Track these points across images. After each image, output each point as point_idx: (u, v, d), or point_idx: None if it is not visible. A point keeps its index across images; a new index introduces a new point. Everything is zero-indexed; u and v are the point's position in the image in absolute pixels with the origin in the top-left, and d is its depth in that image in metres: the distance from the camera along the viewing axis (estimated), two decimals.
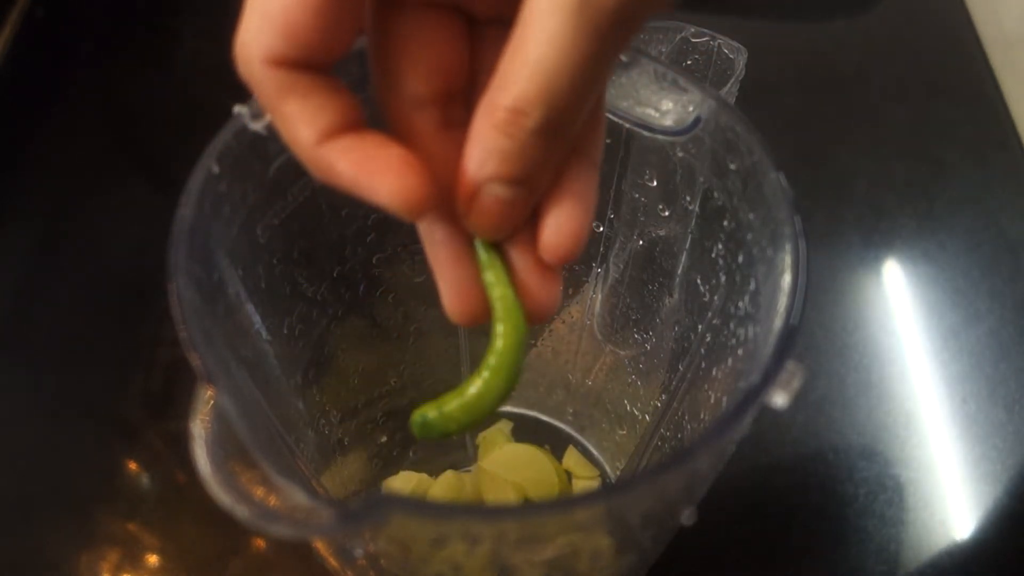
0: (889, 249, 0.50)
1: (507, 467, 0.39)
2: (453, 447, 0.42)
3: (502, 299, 0.23)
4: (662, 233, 0.32)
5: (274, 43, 0.19)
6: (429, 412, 0.25)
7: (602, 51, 0.18)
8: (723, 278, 0.29)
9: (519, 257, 0.22)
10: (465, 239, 0.23)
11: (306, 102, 0.20)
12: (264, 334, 0.29)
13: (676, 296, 0.33)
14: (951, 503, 0.41)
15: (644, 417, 0.38)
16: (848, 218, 0.51)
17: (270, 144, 0.26)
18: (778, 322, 0.22)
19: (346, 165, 0.20)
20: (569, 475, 0.41)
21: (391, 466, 0.40)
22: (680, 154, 0.29)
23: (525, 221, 0.21)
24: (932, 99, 0.57)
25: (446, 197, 0.21)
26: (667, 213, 0.32)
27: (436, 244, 0.23)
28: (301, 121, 0.20)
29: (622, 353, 0.38)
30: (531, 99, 0.18)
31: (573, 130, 0.19)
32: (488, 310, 0.23)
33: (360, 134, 0.20)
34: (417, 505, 0.22)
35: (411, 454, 0.41)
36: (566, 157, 0.21)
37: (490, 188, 0.20)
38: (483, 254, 0.23)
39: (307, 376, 0.33)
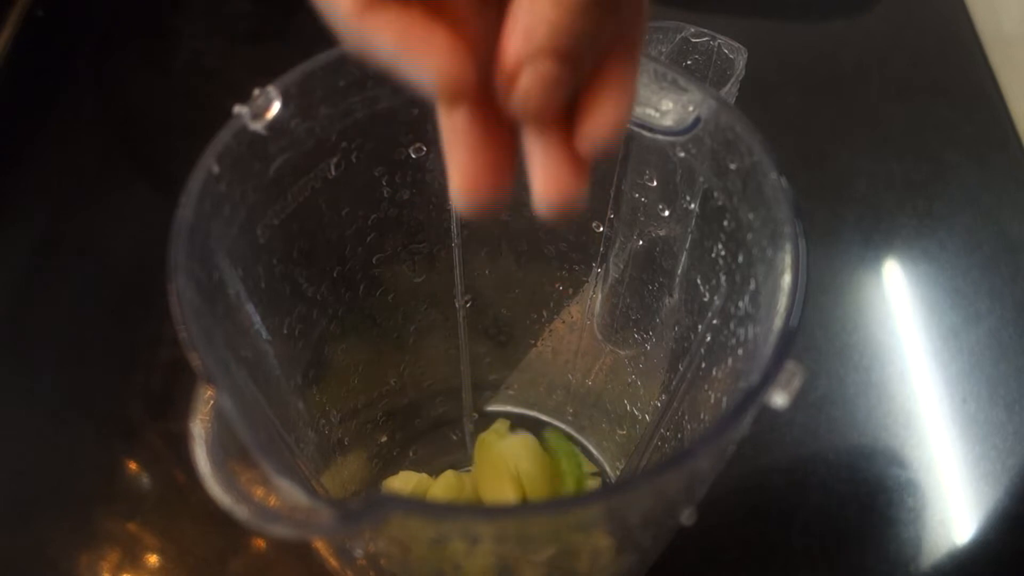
0: (889, 249, 0.50)
1: (503, 458, 0.39)
2: (453, 447, 0.42)
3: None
4: (662, 233, 0.32)
5: None
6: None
7: None
8: (723, 278, 0.29)
9: (550, 146, 0.21)
10: (485, 126, 0.21)
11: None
12: (264, 334, 0.29)
13: (676, 296, 0.33)
14: (951, 503, 0.41)
15: (644, 417, 0.38)
16: (848, 218, 0.51)
17: (270, 144, 0.26)
18: (778, 322, 0.22)
19: (388, 38, 0.19)
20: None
21: (391, 466, 0.40)
22: (680, 154, 0.29)
23: (566, 104, 0.20)
24: (932, 99, 0.57)
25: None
26: (667, 213, 0.32)
27: (455, 130, 0.21)
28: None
29: (622, 353, 0.38)
30: None
31: (621, 5, 0.19)
32: (491, 200, 0.22)
33: (403, 5, 0.19)
34: (417, 505, 0.22)
35: (411, 454, 0.41)
36: (611, 40, 0.20)
37: (536, 64, 0.19)
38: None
39: (307, 376, 0.33)
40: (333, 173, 0.29)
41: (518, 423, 0.42)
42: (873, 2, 0.62)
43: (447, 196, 0.32)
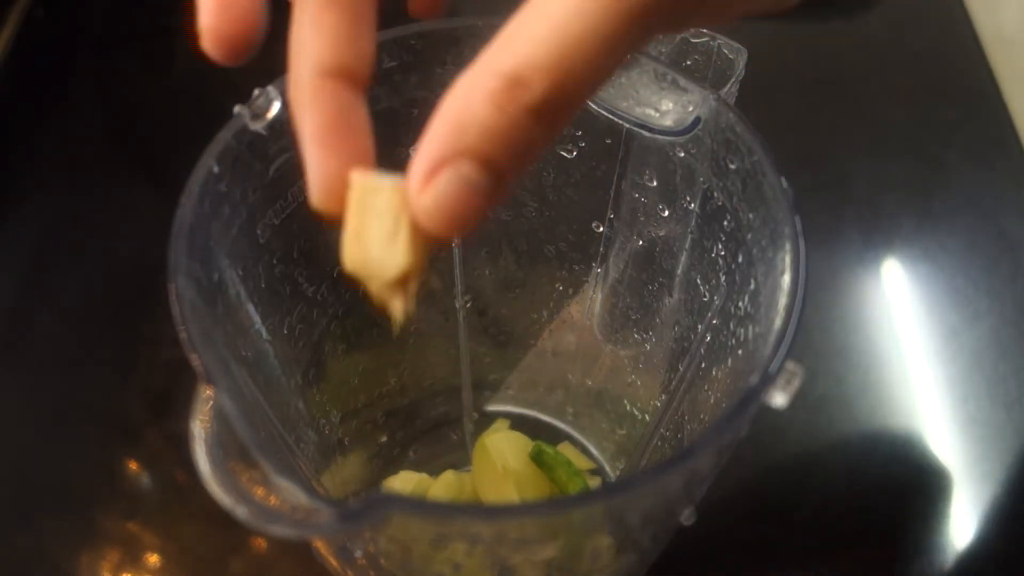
0: (889, 249, 0.50)
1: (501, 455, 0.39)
2: (453, 447, 0.42)
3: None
4: (662, 233, 0.32)
5: None
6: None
7: (622, 40, 0.16)
8: (723, 278, 0.29)
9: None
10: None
11: (346, 22, 0.18)
12: (264, 334, 0.29)
13: (676, 296, 0.33)
14: (951, 503, 0.41)
15: (644, 417, 0.38)
16: (848, 218, 0.51)
17: (270, 144, 0.26)
18: (778, 322, 0.22)
19: (313, 118, 0.18)
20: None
21: (391, 466, 0.40)
22: (680, 154, 0.29)
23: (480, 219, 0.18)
24: (932, 99, 0.57)
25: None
26: (667, 213, 0.32)
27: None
28: (327, 39, 0.19)
29: (622, 353, 0.38)
30: (540, 67, 0.16)
31: (564, 124, 0.17)
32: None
33: (353, 92, 0.19)
34: (417, 505, 0.22)
35: (411, 454, 0.41)
36: (539, 157, 0.18)
37: (459, 165, 0.17)
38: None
39: (307, 376, 0.33)
40: None
41: (518, 423, 0.42)
42: (873, 2, 0.62)
43: None
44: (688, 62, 0.31)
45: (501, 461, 0.37)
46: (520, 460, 0.38)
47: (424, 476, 0.39)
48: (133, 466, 0.41)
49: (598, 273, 0.36)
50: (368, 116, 0.20)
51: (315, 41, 0.19)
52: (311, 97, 0.19)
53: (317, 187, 0.19)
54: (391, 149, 0.21)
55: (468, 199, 0.17)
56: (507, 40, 0.17)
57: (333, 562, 0.30)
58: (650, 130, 0.28)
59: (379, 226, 0.19)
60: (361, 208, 0.19)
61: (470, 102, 0.17)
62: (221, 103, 0.25)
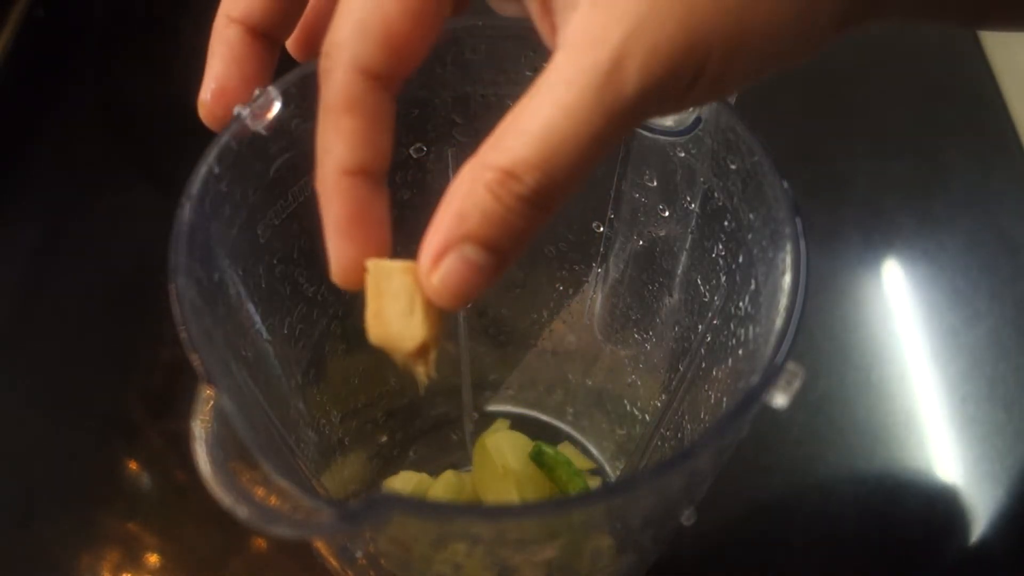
0: (889, 249, 0.50)
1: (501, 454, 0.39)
2: (453, 447, 0.42)
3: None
4: (662, 233, 0.32)
5: (370, 51, 0.19)
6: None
7: (609, 134, 0.18)
8: (723, 278, 0.29)
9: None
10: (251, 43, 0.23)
11: (364, 126, 0.20)
12: (264, 334, 0.29)
13: (676, 296, 0.33)
14: (951, 503, 0.41)
15: (644, 417, 0.38)
16: (848, 218, 0.51)
17: (270, 144, 0.26)
18: (778, 322, 0.22)
19: (335, 209, 0.20)
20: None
21: (391, 466, 0.40)
22: (680, 154, 0.29)
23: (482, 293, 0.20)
24: (932, 99, 0.57)
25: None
26: (667, 213, 0.32)
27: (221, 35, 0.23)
28: (347, 142, 0.20)
29: (622, 353, 0.38)
30: (529, 164, 0.18)
31: (558, 207, 0.19)
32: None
33: (372, 185, 0.21)
34: (417, 505, 0.22)
35: (411, 454, 0.41)
36: (538, 236, 0.20)
37: (463, 249, 0.19)
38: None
39: (307, 376, 0.33)
40: None
41: (518, 423, 0.42)
42: None
43: None
44: None
45: (501, 461, 0.37)
46: (520, 460, 0.38)
47: (424, 476, 0.39)
48: (133, 466, 0.41)
49: (598, 273, 0.36)
50: (386, 208, 0.21)
51: (337, 144, 0.20)
52: (332, 191, 0.21)
53: (337, 271, 0.21)
54: (392, 149, 0.21)
55: (472, 277, 0.19)
56: (502, 135, 0.18)
57: (333, 562, 0.30)
58: (650, 130, 0.28)
59: (396, 305, 0.21)
60: (378, 291, 0.21)
61: (470, 193, 0.19)
62: None
